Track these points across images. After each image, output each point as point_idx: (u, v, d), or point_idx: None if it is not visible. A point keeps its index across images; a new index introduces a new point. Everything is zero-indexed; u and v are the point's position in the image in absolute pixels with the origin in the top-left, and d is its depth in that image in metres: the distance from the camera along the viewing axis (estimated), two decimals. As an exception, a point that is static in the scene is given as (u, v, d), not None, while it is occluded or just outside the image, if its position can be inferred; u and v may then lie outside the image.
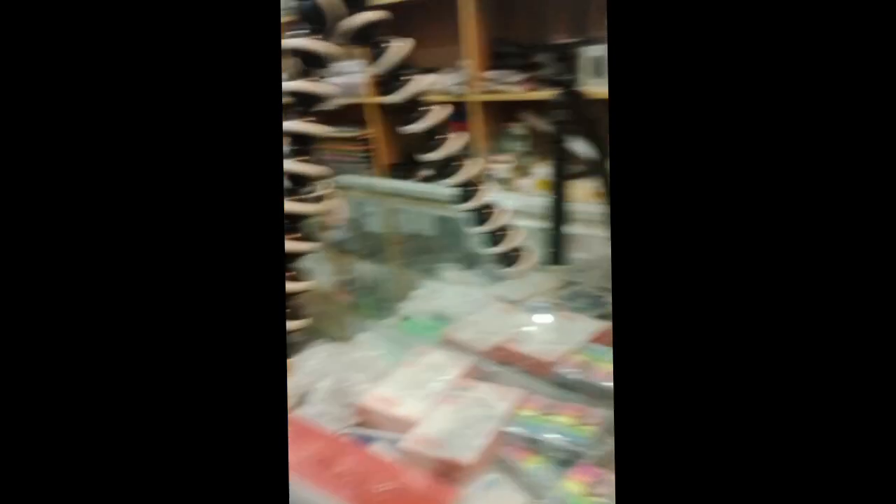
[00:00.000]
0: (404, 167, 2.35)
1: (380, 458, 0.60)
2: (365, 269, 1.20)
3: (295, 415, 0.67)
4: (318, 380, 0.75)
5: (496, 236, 0.40)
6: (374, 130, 2.46)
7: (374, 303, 1.07)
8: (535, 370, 0.70)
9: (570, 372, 0.65)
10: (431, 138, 0.36)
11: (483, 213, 0.39)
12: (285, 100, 0.66)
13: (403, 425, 0.64)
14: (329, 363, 0.80)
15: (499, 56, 1.75)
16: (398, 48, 0.34)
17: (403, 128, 0.34)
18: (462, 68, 1.81)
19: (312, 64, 0.62)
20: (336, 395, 0.74)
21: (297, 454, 0.57)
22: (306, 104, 0.67)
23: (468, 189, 0.38)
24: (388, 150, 2.50)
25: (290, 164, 0.67)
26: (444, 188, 0.38)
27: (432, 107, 0.35)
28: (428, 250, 1.19)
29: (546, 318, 0.78)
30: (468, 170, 0.38)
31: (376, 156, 2.53)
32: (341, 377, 0.77)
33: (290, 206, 0.64)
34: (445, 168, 0.38)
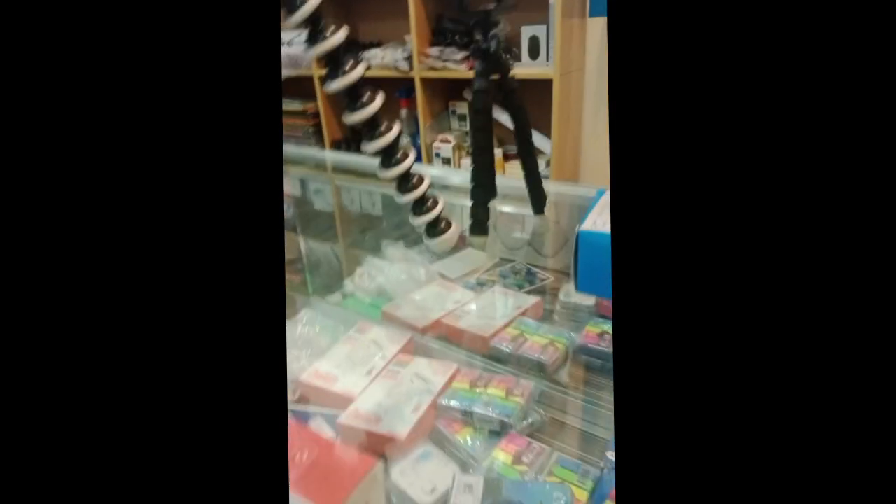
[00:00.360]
0: (348, 143, 2.31)
1: (305, 429, 0.60)
2: (311, 247, 1.18)
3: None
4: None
5: (419, 206, 0.39)
6: (321, 104, 2.39)
7: (320, 280, 1.05)
8: (472, 345, 0.70)
9: (503, 346, 0.66)
10: (351, 99, 0.35)
11: (405, 181, 0.39)
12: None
13: (342, 401, 0.64)
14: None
15: (442, 32, 1.73)
16: (310, 4, 0.32)
17: (325, 87, 0.33)
18: (407, 43, 1.77)
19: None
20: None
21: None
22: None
23: (389, 156, 0.37)
24: (334, 124, 2.44)
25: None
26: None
27: (348, 66, 0.34)
28: (373, 228, 1.18)
29: (482, 295, 0.79)
30: (388, 135, 0.37)
31: (324, 131, 2.46)
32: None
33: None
34: (367, 133, 0.37)
